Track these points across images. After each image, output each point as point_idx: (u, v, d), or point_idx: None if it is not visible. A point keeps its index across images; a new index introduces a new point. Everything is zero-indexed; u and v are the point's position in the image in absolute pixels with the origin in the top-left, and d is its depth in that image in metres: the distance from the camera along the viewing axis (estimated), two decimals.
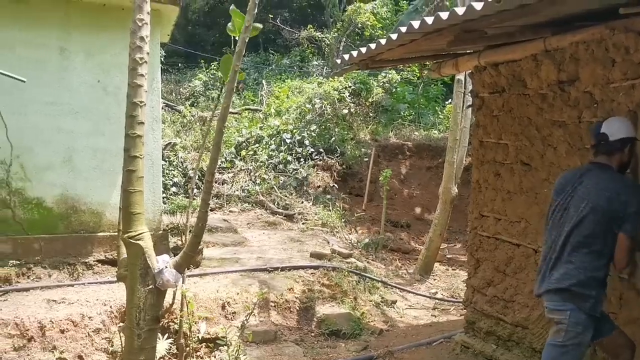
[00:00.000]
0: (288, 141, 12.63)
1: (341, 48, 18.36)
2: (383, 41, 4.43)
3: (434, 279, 8.93)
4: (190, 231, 3.96)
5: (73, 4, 6.35)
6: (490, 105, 4.85)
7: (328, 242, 8.93)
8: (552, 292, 3.20)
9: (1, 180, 6.22)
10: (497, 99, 4.76)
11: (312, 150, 12.56)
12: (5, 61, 5.94)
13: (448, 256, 10.31)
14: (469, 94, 6.77)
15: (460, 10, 3.36)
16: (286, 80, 17.20)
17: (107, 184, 6.60)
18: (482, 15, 3.27)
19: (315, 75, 18.20)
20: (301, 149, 12.52)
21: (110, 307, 5.47)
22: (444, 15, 3.51)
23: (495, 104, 4.79)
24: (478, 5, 3.19)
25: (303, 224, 10.28)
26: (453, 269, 9.76)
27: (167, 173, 10.87)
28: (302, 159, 12.34)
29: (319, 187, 11.86)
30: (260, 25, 3.57)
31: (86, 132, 6.50)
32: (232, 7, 4.08)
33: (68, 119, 6.42)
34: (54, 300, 5.48)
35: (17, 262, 6.14)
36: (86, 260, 6.45)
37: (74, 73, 6.44)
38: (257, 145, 12.88)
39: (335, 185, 12.11)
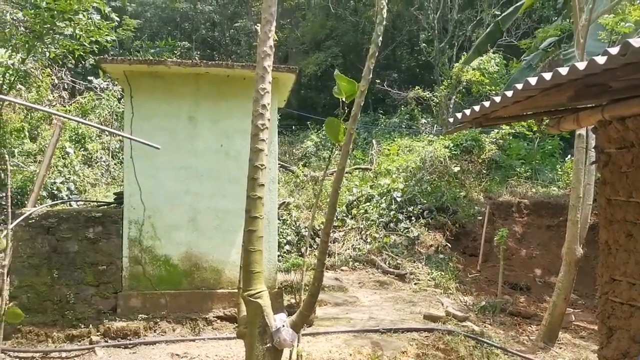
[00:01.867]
0: (399, 200, 12.58)
1: (451, 106, 18.28)
2: (497, 99, 4.36)
3: (560, 348, 8.23)
4: (305, 290, 4.04)
5: (202, 76, 6.96)
6: (618, 161, 4.55)
7: (442, 304, 8.63)
8: None
9: (134, 238, 6.78)
10: (625, 154, 4.46)
11: (423, 208, 12.39)
12: (143, 130, 6.62)
13: (574, 323, 9.50)
14: (593, 150, 6.40)
15: (581, 65, 3.25)
16: (396, 139, 17.33)
17: (227, 242, 6.95)
18: (606, 69, 3.14)
19: (424, 133, 18.18)
20: (412, 207, 12.40)
21: None
22: (564, 70, 3.40)
23: (623, 159, 4.48)
24: (601, 59, 3.07)
25: (415, 284, 10.05)
26: (581, 337, 8.96)
27: (281, 232, 11.20)
28: (413, 218, 12.20)
29: (431, 246, 11.60)
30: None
31: (209, 194, 6.95)
32: (336, 71, 4.27)
33: (194, 182, 6.92)
34: (177, 355, 5.76)
35: (146, 316, 6.58)
36: (206, 316, 6.74)
37: (200, 139, 6.98)
38: (367, 203, 12.96)
39: (448, 244, 11.77)
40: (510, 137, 15.60)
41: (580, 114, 4.85)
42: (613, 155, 4.64)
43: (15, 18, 12.65)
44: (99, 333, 6.33)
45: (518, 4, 12.65)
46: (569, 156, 14.77)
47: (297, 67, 7.08)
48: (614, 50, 3.00)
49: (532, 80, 3.74)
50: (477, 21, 21.62)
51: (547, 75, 3.59)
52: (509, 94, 4.14)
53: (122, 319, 6.51)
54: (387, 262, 10.95)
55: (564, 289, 8.36)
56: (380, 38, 3.61)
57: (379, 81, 20.59)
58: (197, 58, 21.94)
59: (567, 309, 8.81)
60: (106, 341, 6.21)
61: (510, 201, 13.32)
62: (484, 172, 15.01)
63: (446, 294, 9.64)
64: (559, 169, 15.25)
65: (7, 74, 11.71)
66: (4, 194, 11.21)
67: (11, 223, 5.85)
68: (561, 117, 5.14)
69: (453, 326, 7.37)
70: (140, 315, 6.57)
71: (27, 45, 11.38)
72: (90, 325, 6.43)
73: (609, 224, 4.72)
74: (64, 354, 5.95)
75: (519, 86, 3.93)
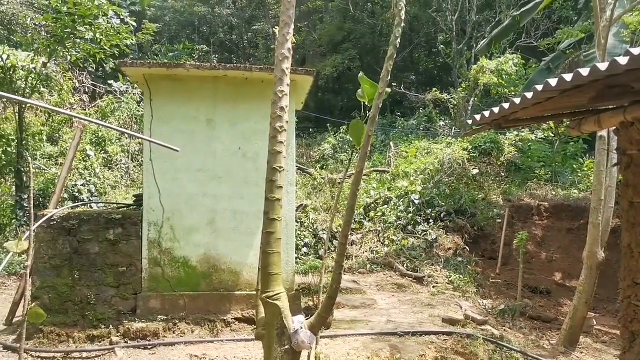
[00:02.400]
0: (417, 202, 12.52)
1: (469, 108, 18.15)
2: (517, 100, 4.31)
3: (581, 352, 8.11)
4: (323, 292, 4.03)
5: (220, 79, 7.01)
6: None
7: (461, 307, 8.56)
8: None
9: (154, 240, 6.84)
10: None
11: (442, 211, 12.32)
12: (162, 133, 6.69)
13: (596, 327, 9.35)
14: (614, 152, 6.31)
15: (602, 66, 3.20)
16: (414, 141, 17.27)
17: (245, 244, 6.97)
18: (628, 69, 3.09)
19: (442, 135, 18.08)
20: (430, 210, 12.33)
21: None
22: (585, 71, 3.36)
23: None
24: (623, 60, 3.03)
25: (433, 287, 9.98)
26: (602, 342, 8.82)
27: (298, 234, 11.21)
28: (431, 221, 12.13)
29: (449, 249, 11.52)
30: (388, 90, 3.68)
31: (227, 196, 6.99)
32: (361, 74, 4.26)
33: (213, 184, 6.97)
34: (196, 356, 5.79)
35: (165, 317, 6.63)
36: (225, 318, 6.77)
37: (218, 142, 7.02)
38: (385, 206, 12.91)
39: (467, 247, 11.67)
40: (531, 140, 15.42)
41: (602, 116, 4.77)
42: (635, 157, 4.57)
43: (37, 23, 12.87)
44: (119, 334, 6.40)
45: (538, 0, 12.47)
46: (587, 155, 14.58)
47: (314, 70, 7.09)
48: (637, 51, 2.95)
49: (553, 82, 3.69)
50: (495, 22, 21.45)
51: (568, 77, 3.54)
52: (529, 95, 4.09)
53: (141, 320, 6.58)
54: (405, 265, 10.90)
55: (585, 292, 8.24)
56: (399, 40, 3.60)
57: (395, 84, 20.53)
58: (215, 61, 22.13)
59: (589, 313, 8.68)
60: (126, 342, 6.27)
61: (530, 204, 13.17)
62: (503, 174, 14.87)
63: (465, 297, 9.57)
64: (579, 172, 15.05)
65: (30, 78, 11.93)
66: (26, 196, 11.40)
67: (33, 224, 5.94)
68: (582, 118, 5.06)
69: (472, 330, 7.31)
70: (160, 317, 6.63)
71: (48, 49, 11.58)
72: (111, 326, 6.51)
73: (632, 227, 4.63)
74: (84, 354, 6.02)
75: (539, 87, 3.88)
